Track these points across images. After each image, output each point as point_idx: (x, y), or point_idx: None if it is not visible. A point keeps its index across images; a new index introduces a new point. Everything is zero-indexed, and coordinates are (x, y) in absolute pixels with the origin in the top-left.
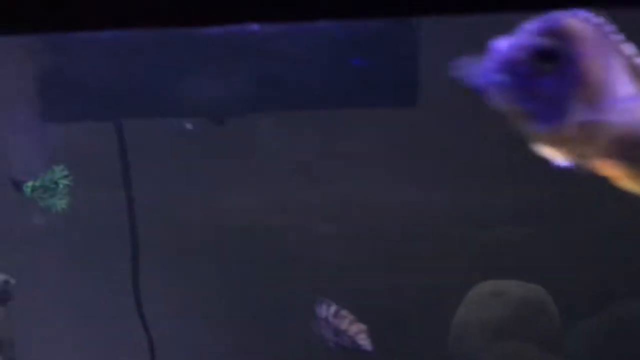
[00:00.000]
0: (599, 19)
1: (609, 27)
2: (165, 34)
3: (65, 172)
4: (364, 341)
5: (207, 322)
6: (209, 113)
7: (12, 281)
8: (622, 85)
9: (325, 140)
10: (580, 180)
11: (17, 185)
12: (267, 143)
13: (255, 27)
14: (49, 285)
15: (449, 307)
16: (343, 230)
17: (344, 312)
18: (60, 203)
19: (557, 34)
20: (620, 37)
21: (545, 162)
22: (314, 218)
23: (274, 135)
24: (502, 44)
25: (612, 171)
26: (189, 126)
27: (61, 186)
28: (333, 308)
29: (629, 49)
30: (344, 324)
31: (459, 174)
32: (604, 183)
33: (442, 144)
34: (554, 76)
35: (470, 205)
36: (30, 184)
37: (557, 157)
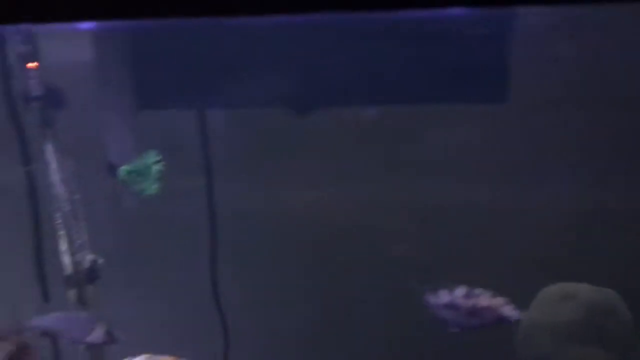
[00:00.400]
0: None
1: None
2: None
3: (158, 157)
4: (512, 312)
5: (286, 314)
6: (295, 103)
7: (100, 261)
8: None
9: (413, 137)
10: None
11: (111, 169)
12: (355, 137)
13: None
14: (132, 267)
15: (520, 308)
16: (425, 229)
17: (477, 290)
18: (152, 188)
19: None
20: None
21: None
22: (398, 215)
23: (363, 129)
24: None
25: None
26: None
27: (153, 171)
28: (462, 290)
29: None
30: (483, 301)
31: (553, 173)
32: None
33: (531, 143)
34: None
35: (559, 206)
36: (124, 167)
37: None
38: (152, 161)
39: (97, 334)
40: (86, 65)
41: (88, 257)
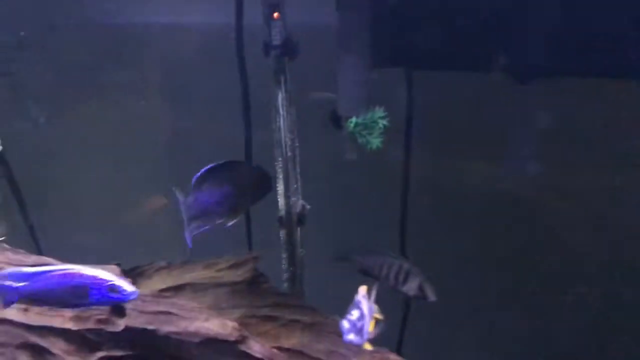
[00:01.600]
0: None
1: None
2: None
3: (385, 113)
4: None
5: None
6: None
7: (308, 207)
8: None
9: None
10: None
11: (337, 121)
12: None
13: None
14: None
15: None
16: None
17: None
18: (376, 142)
19: None
20: None
21: None
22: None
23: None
24: None
25: None
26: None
27: (380, 125)
28: None
29: None
30: None
31: None
32: None
33: None
34: None
35: None
36: (353, 120)
37: None
38: (379, 116)
39: (411, 285)
40: (325, 22)
41: (299, 202)
